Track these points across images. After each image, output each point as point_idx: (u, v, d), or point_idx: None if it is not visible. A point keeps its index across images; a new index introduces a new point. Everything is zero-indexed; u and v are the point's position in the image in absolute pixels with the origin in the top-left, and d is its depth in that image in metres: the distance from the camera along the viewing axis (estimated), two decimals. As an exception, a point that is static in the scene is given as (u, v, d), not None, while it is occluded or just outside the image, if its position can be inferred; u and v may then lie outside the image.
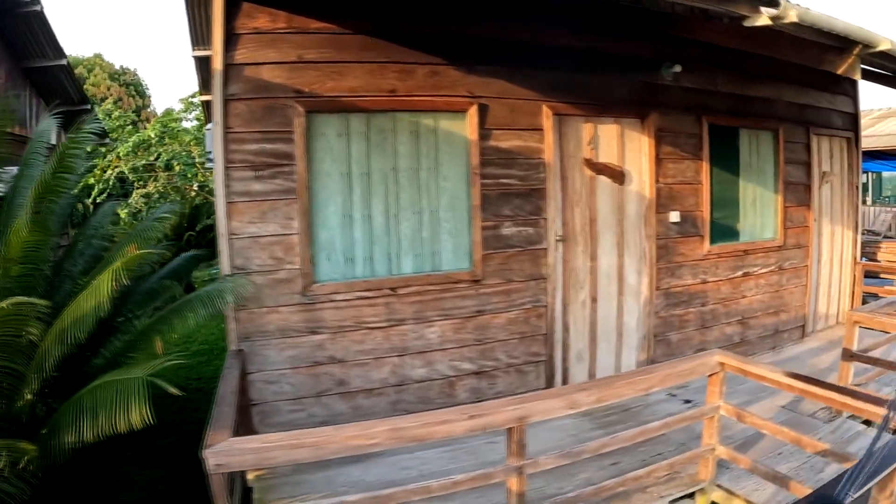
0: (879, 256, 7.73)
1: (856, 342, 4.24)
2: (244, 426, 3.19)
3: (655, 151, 4.67)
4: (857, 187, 6.65)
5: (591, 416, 3.99)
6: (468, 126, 3.95)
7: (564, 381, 4.52)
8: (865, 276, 7.76)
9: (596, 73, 4.45)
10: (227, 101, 3.33)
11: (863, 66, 5.58)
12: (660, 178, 4.72)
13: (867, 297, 6.78)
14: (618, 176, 4.61)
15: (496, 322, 4.15)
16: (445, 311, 3.94)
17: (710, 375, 3.16)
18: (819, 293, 6.29)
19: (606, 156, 4.59)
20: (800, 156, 5.84)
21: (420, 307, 3.86)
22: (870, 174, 18.73)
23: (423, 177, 3.90)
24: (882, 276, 7.22)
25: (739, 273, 5.33)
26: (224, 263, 3.41)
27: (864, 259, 8.13)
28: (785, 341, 5.82)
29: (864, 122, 17.48)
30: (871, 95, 45.61)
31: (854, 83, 6.59)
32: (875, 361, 4.19)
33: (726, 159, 5.24)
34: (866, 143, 16.90)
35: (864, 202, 17.90)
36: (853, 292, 6.71)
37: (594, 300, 4.63)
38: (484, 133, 4.00)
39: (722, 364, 3.12)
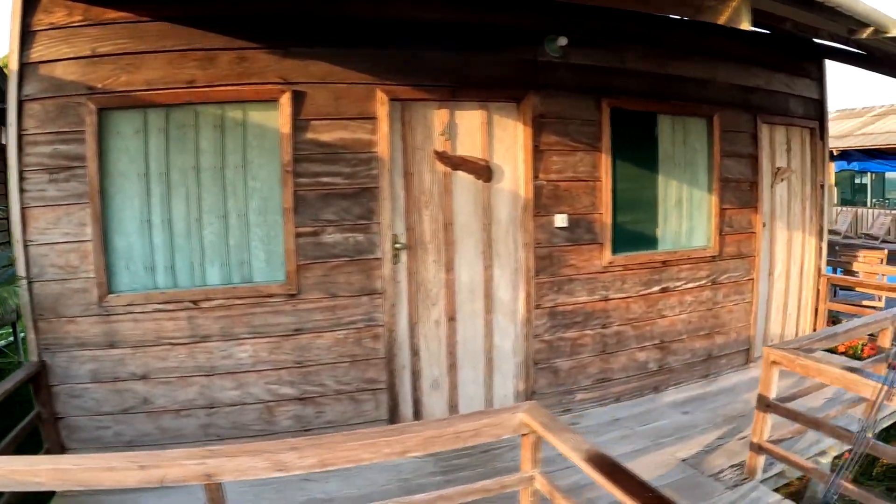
0: (856, 267, 6.57)
1: (774, 387, 3.26)
2: (52, 440, 3.18)
3: (534, 141, 3.83)
4: (824, 186, 5.59)
5: (438, 455, 3.36)
6: (280, 117, 3.42)
7: (416, 413, 3.82)
8: (842, 290, 6.63)
9: (455, 49, 3.69)
10: (21, 103, 3.14)
11: (822, 41, 4.67)
12: (540, 173, 3.86)
13: (842, 316, 5.73)
14: (481, 171, 3.74)
15: (320, 343, 3.58)
16: (257, 328, 3.47)
17: (523, 436, 2.34)
18: (770, 311, 5.29)
19: (468, 147, 3.76)
20: (744, 148, 4.86)
21: (227, 323, 3.42)
22: (870, 174, 17.61)
23: (229, 176, 3.44)
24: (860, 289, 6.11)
25: (657, 288, 4.41)
26: (20, 271, 3.21)
27: (838, 271, 6.98)
28: (723, 368, 4.85)
29: (864, 119, 16.54)
30: (873, 91, 43.41)
31: (819, 64, 5.59)
32: (795, 416, 3.20)
33: (639, 151, 4.36)
34: (866, 141, 16.06)
35: (864, 204, 17.33)
36: (817, 310, 5.63)
37: (452, 319, 3.82)
38: (300, 124, 3.44)
39: (528, 424, 2.24)
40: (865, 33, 3.27)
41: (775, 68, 5.17)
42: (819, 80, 5.60)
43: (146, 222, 3.34)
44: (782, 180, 5.32)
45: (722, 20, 2.55)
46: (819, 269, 5.66)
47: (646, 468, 3.38)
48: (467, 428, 2.24)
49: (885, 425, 4.23)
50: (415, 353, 3.78)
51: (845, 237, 16.63)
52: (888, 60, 4.69)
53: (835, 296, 7.01)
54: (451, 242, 3.78)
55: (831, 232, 16.82)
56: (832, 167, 16.85)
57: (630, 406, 4.33)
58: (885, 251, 7.05)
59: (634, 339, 4.38)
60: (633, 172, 4.32)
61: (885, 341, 4.09)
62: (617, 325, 4.27)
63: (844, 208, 17.65)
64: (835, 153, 16.01)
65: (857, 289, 6.14)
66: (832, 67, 4.64)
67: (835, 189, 17.41)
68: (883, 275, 6.49)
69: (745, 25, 2.52)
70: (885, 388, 2.58)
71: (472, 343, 3.92)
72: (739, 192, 4.86)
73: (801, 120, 5.44)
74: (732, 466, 3.38)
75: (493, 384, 4.00)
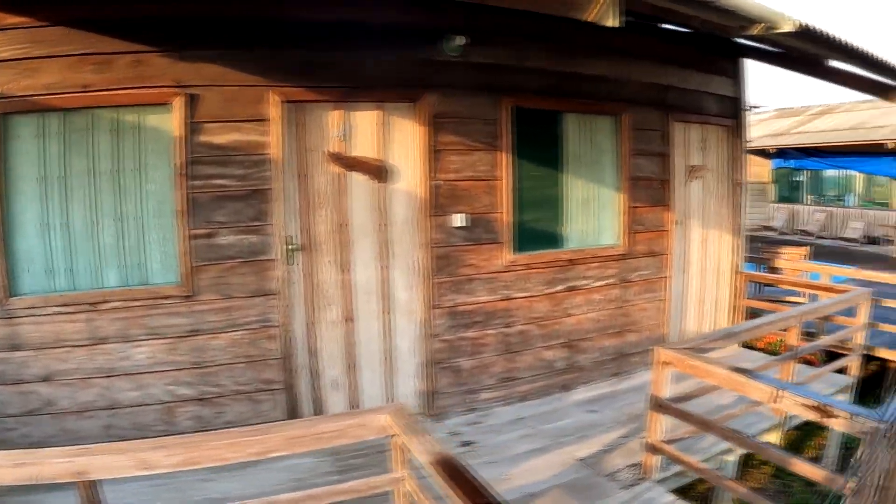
0: (779, 264, 7.50)
1: (667, 387, 3.63)
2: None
3: (430, 141, 4.11)
4: (741, 184, 6.30)
5: (338, 454, 3.70)
6: (173, 120, 3.65)
7: (316, 413, 4.08)
8: (767, 286, 7.57)
9: (350, 49, 3.94)
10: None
11: (745, 40, 5.36)
12: (437, 173, 4.14)
13: (764, 313, 6.54)
14: (377, 172, 4.01)
15: (216, 344, 3.84)
16: (154, 329, 3.74)
17: (392, 437, 2.57)
18: (686, 309, 5.85)
19: (363, 148, 4.03)
20: (655, 146, 5.29)
21: (124, 325, 3.69)
22: (806, 172, 19.45)
23: (125, 179, 3.71)
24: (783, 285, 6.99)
25: (562, 287, 4.79)
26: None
27: (762, 267, 7.93)
28: (635, 366, 5.34)
29: (801, 118, 18.39)
30: (810, 93, 47.27)
31: (736, 62, 6.06)
32: (686, 417, 3.52)
33: (543, 150, 4.70)
34: (802, 139, 17.51)
35: (802, 202, 19.51)
36: (735, 307, 6.39)
37: (350, 320, 4.09)
38: (194, 127, 3.68)
39: (391, 426, 2.52)
40: (756, 29, 3.65)
41: (691, 66, 5.57)
42: (736, 78, 6.07)
43: (46, 225, 3.54)
44: (697, 178, 5.99)
45: (589, 17, 2.97)
46: (736, 267, 6.15)
47: (542, 468, 3.65)
48: (331, 429, 2.48)
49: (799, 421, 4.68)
50: (313, 353, 4.01)
51: (781, 233, 18.59)
52: (805, 59, 5.33)
53: (760, 292, 7.97)
54: (346, 243, 4.03)
55: (768, 228, 19.08)
56: (769, 164, 19.16)
57: (536, 405, 4.67)
58: (808, 248, 8.00)
59: (540, 338, 4.72)
60: (537, 171, 4.64)
61: (791, 339, 4.48)
62: (521, 324, 4.60)
63: (781, 205, 19.51)
64: (771, 151, 18.43)
65: (780, 285, 7.05)
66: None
67: (772, 186, 20.00)
68: (807, 271, 7.44)
69: (612, 22, 2.72)
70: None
71: (372, 343, 4.17)
72: (650, 191, 5.25)
73: (718, 118, 5.90)
74: (630, 466, 3.65)
75: (395, 384, 4.28)
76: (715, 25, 3.83)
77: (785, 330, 4.73)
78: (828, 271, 6.97)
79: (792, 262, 7.34)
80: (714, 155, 6.00)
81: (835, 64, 5.07)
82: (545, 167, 4.77)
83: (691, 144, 5.74)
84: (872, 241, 16.53)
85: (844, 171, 18.54)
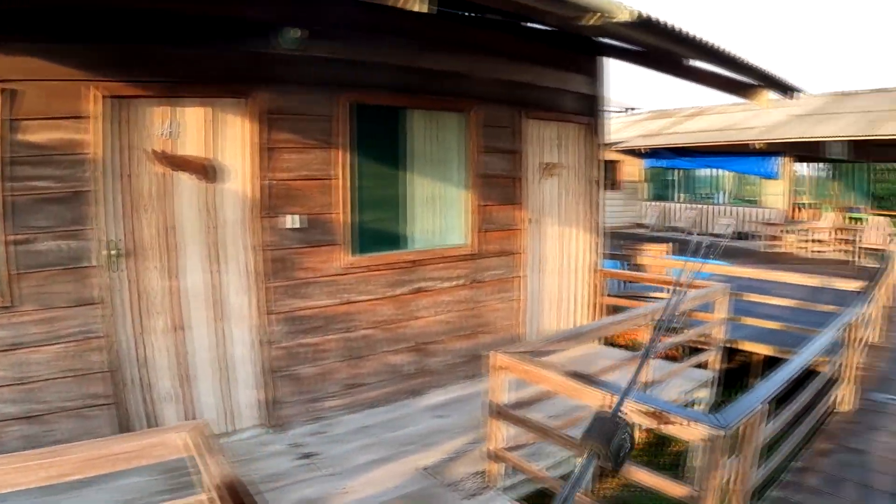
0: (641, 260, 8.63)
1: (505, 393, 3.88)
2: None
3: (262, 139, 4.58)
4: (598, 182, 7.19)
5: (175, 471, 3.75)
6: None
7: (151, 428, 4.35)
8: (631, 283, 8.66)
9: (180, 43, 4.27)
10: None
11: (605, 38, 6.14)
12: (269, 172, 4.62)
13: (624, 310, 7.52)
14: (205, 171, 4.42)
15: (38, 357, 4.01)
16: None
17: (197, 456, 2.75)
18: (543, 308, 6.70)
19: (192, 146, 4.40)
20: (506, 144, 6.06)
21: None
22: (677, 171, 22.90)
23: None
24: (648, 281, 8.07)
25: (407, 289, 5.42)
26: None
27: (625, 264, 9.06)
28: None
29: (674, 119, 21.62)
30: (685, 95, 53.03)
31: (595, 61, 6.97)
32: (524, 424, 3.79)
33: (386, 148, 5.30)
34: (673, 139, 20.53)
35: (672, 199, 22.77)
36: (595, 304, 7.35)
37: (181, 328, 4.45)
38: (13, 125, 3.83)
39: (189, 445, 2.71)
40: (593, 19, 4.02)
41: (546, 64, 6.39)
42: (595, 76, 7.00)
43: None
44: (552, 176, 6.85)
45: (399, 3, 3.22)
46: (595, 264, 7.14)
47: (383, 479, 4.06)
48: (127, 449, 2.67)
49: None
50: (143, 365, 4.30)
51: (654, 230, 21.67)
52: (664, 58, 5.93)
53: (624, 289, 9.09)
54: (175, 247, 4.37)
55: (640, 226, 22.27)
56: (642, 164, 22.67)
57: (384, 412, 5.24)
58: (669, 244, 9.18)
59: (385, 342, 5.31)
60: (379, 170, 5.22)
61: (643, 338, 5.74)
62: (364, 328, 5.17)
63: (654, 203, 22.89)
64: (644, 151, 21.75)
65: (640, 282, 8.15)
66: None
67: (646, 185, 23.55)
68: (668, 267, 8.59)
69: (421, 8, 3.14)
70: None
71: (206, 352, 4.53)
72: (502, 189, 6.00)
73: (575, 116, 6.80)
74: (475, 474, 3.99)
75: (232, 395, 4.67)
76: (549, 15, 4.35)
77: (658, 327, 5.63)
78: (688, 267, 8.04)
79: (654, 258, 8.42)
80: (571, 153, 6.88)
81: (696, 63, 5.99)
82: (388, 165, 5.37)
83: (546, 142, 6.58)
84: (741, 236, 19.62)
85: (716, 170, 22.06)
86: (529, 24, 6.00)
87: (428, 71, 5.55)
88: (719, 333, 6.18)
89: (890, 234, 14.59)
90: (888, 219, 16.48)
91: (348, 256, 5.11)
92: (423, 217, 5.63)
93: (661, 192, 23.85)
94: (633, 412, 2.98)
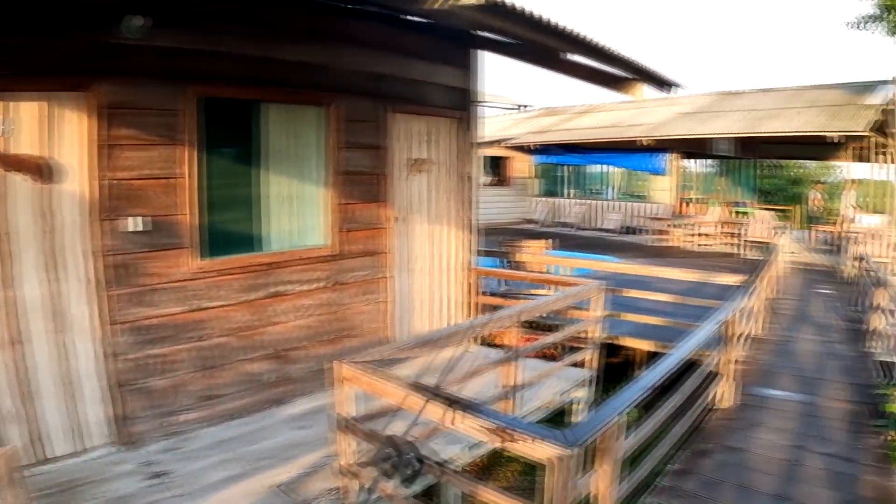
0: (521, 258, 9.32)
1: (351, 405, 4.02)
2: None
3: (101, 135, 4.73)
4: (471, 177, 7.84)
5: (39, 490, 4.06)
6: None
7: None
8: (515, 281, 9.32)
9: (10, 30, 4.33)
10: None
11: (479, 32, 6.67)
12: (109, 171, 4.79)
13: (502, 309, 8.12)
14: (41, 171, 4.54)
15: None
16: None
17: None
18: (414, 309, 7.14)
19: (27, 144, 4.50)
20: (370, 139, 6.48)
21: None
22: (567, 168, 25.50)
23: None
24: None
25: (264, 293, 5.73)
26: None
27: (504, 262, 9.74)
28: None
29: (565, 116, 24.34)
30: (579, 94, 57.16)
31: (468, 53, 7.53)
32: (373, 438, 3.81)
33: (238, 144, 5.59)
34: (562, 136, 22.71)
35: (562, 195, 25.34)
36: (469, 304, 7.92)
37: (19, 343, 4.54)
38: None
39: None
40: (437, 3, 4.20)
41: (415, 55, 6.85)
42: (468, 69, 7.56)
43: None
44: (421, 172, 7.37)
45: None
46: (468, 263, 7.72)
47: (235, 498, 4.24)
48: None
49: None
50: None
51: (543, 226, 24.17)
52: (541, 52, 6.47)
53: (507, 287, 9.75)
54: (8, 255, 4.45)
55: (530, 221, 24.51)
56: (530, 159, 24.95)
57: (244, 424, 5.49)
58: (550, 240, 9.97)
59: (242, 350, 5.59)
60: (231, 168, 5.51)
61: (510, 339, 5.50)
62: (218, 336, 5.43)
63: (544, 199, 25.28)
64: (533, 147, 24.00)
65: (517, 279, 8.81)
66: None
67: (536, 181, 25.92)
68: (549, 264, 9.35)
69: None
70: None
71: (48, 367, 4.63)
72: (365, 186, 6.42)
73: (447, 110, 7.33)
74: (330, 491, 4.16)
75: (79, 411, 4.79)
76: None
77: (533, 323, 6.07)
78: (568, 263, 8.81)
79: (533, 256, 9.10)
80: (443, 148, 7.40)
81: (573, 58, 6.61)
82: (241, 163, 5.68)
83: (415, 137, 7.06)
84: (630, 230, 21.91)
85: (605, 166, 24.65)
86: (397, 14, 6.43)
87: (284, 62, 5.83)
88: (595, 331, 6.79)
89: (774, 228, 16.15)
90: (773, 213, 18.37)
91: (197, 260, 5.35)
92: (279, 217, 5.95)
93: (552, 188, 26.16)
94: (475, 429, 3.11)
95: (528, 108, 32.16)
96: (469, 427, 3.13)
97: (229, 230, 5.61)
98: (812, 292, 12.37)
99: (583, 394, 6.67)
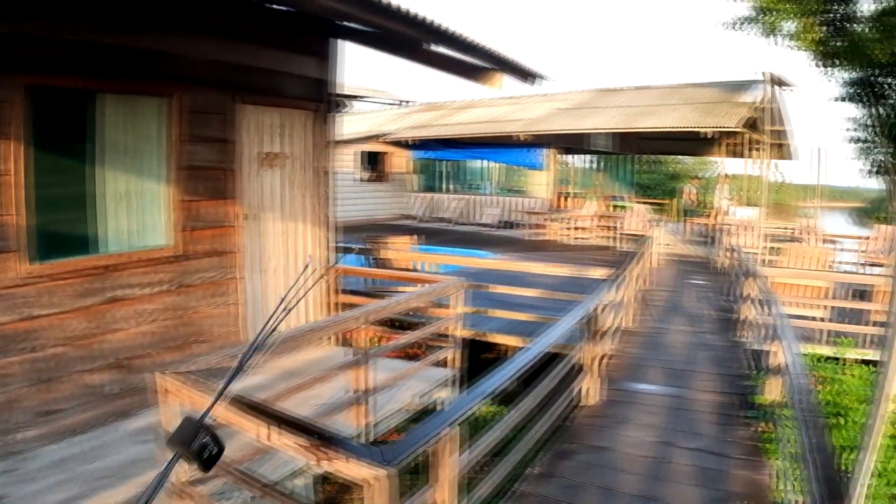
0: (386, 255, 9.73)
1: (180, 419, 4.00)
2: None
3: None
4: (328, 172, 8.12)
5: None
6: None
7: None
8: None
9: None
10: None
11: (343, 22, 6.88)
12: None
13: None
14: None
15: None
16: None
17: None
18: (269, 311, 7.41)
19: None
20: (217, 132, 6.72)
21: None
22: (446, 162, 27.23)
23: None
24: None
25: (101, 298, 5.87)
26: None
27: (370, 259, 10.13)
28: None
29: (444, 111, 26.60)
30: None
31: (327, 43, 7.89)
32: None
33: (71, 138, 5.72)
34: (442, 131, 24.21)
35: (441, 190, 26.93)
36: (330, 304, 8.18)
37: None
38: None
39: None
40: None
41: (267, 44, 7.13)
42: (327, 60, 7.90)
43: None
44: (273, 167, 7.66)
45: None
46: (326, 261, 8.17)
47: None
48: None
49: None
50: None
51: (421, 221, 25.54)
52: (403, 42, 6.91)
53: (374, 284, 10.11)
54: None
55: (408, 216, 25.83)
56: (409, 155, 26.37)
57: (86, 440, 5.57)
58: (414, 237, 10.42)
59: (81, 360, 5.70)
60: (64, 164, 5.62)
61: (360, 341, 5.66)
62: (53, 346, 5.51)
63: (422, 194, 26.66)
64: (411, 142, 25.31)
65: (375, 277, 9.19)
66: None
67: (415, 177, 27.40)
68: (415, 260, 9.80)
69: None
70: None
71: None
72: (211, 182, 6.66)
73: (302, 102, 7.65)
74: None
75: None
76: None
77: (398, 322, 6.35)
78: (432, 260, 9.25)
79: (398, 253, 9.50)
80: (298, 141, 7.71)
81: (436, 49, 7.01)
82: (75, 159, 5.80)
83: (267, 129, 7.32)
84: (508, 225, 23.42)
85: (486, 161, 26.41)
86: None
87: (123, 50, 5.95)
88: (456, 329, 7.27)
89: (649, 221, 17.29)
90: (649, 206, 19.74)
91: (26, 265, 5.43)
92: (117, 216, 6.10)
93: (431, 183, 27.61)
94: (291, 447, 3.05)
95: (409, 104, 33.09)
96: (285, 445, 3.07)
97: (62, 231, 5.72)
98: (685, 283, 13.45)
99: (446, 394, 7.11)
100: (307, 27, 7.48)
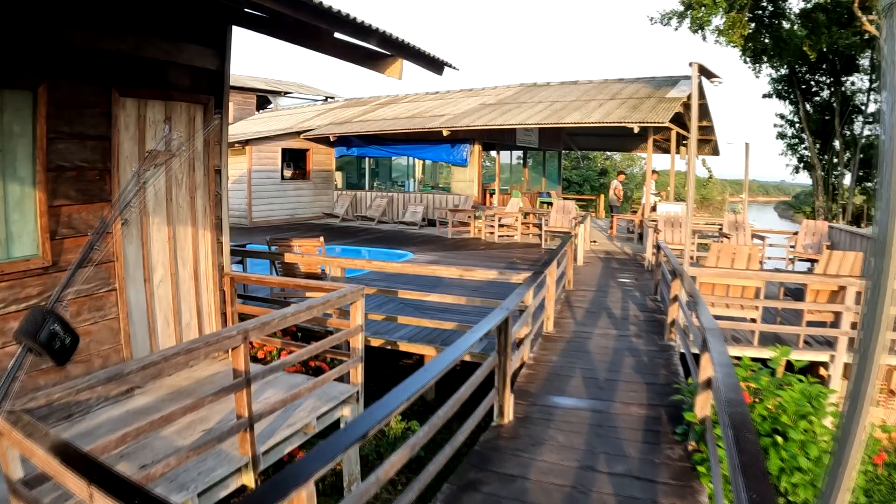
0: (291, 258, 9.32)
1: (16, 466, 3.44)
2: None
3: None
4: (220, 171, 7.67)
5: None
6: None
7: None
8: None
9: None
10: None
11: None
12: None
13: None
14: None
15: None
16: None
17: None
18: (157, 325, 6.90)
19: None
20: (90, 128, 6.21)
21: None
22: (368, 159, 27.40)
23: None
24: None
25: None
26: None
27: (275, 264, 9.68)
28: (93, 406, 6.13)
29: (367, 107, 26.94)
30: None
31: (217, 28, 7.45)
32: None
33: None
34: (364, 127, 24.35)
35: (365, 187, 27.04)
36: (226, 314, 7.75)
37: None
38: None
39: None
40: None
41: (150, 31, 6.67)
42: (220, 49, 7.49)
43: None
44: (157, 166, 7.19)
45: None
46: (221, 267, 7.71)
47: None
48: None
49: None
50: None
51: (343, 219, 25.96)
52: (300, 28, 6.49)
53: (284, 291, 9.73)
54: None
55: (330, 215, 25.90)
56: (332, 152, 26.54)
57: None
58: (321, 238, 10.05)
59: None
60: None
61: (238, 362, 5.01)
62: None
63: (346, 192, 27.03)
64: (332, 139, 25.62)
65: (273, 285, 8.78)
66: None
67: (338, 174, 27.62)
68: (323, 264, 9.42)
69: None
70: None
71: None
72: (85, 184, 6.17)
73: (191, 94, 7.20)
74: None
75: None
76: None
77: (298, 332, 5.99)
78: (338, 264, 8.84)
79: (301, 257, 9.08)
80: (186, 137, 7.12)
81: (336, 36, 6.63)
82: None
83: (150, 125, 6.82)
84: (432, 223, 23.45)
85: (411, 158, 26.54)
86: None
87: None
88: (357, 341, 6.91)
89: (575, 217, 17.15)
90: (575, 202, 19.73)
91: None
92: (-25, 223, 5.54)
93: (355, 180, 27.86)
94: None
95: (334, 100, 33.28)
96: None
97: None
98: (611, 282, 13.32)
99: (348, 412, 6.72)
100: (197, 12, 7.08)
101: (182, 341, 7.28)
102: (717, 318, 6.87)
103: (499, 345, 5.78)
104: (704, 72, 10.18)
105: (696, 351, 5.48)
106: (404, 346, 8.98)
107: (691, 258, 13.01)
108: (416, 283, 11.10)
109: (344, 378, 6.87)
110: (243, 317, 7.96)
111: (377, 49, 6.66)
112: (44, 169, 5.92)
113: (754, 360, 5.95)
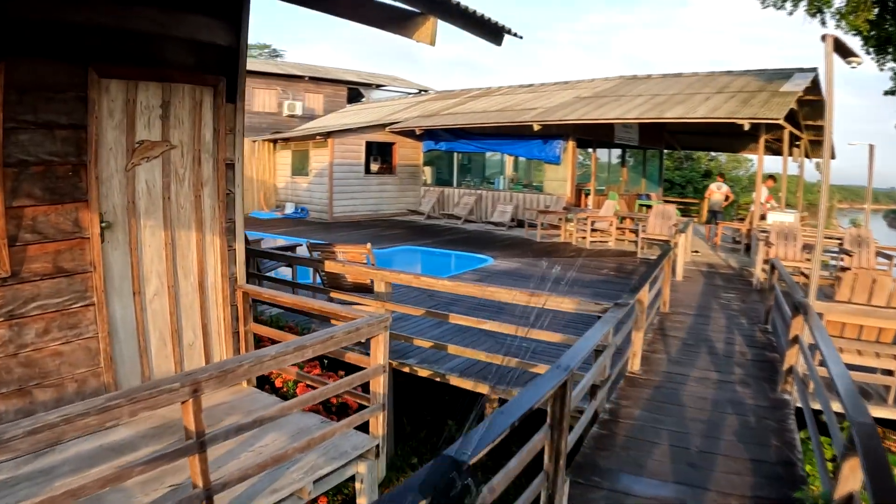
0: (331, 268, 8.42)
1: None
2: None
3: None
4: (233, 166, 6.77)
5: None
6: None
7: None
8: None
9: None
10: None
11: None
12: None
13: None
14: None
15: None
16: None
17: None
18: (150, 345, 6.16)
19: None
20: (60, 115, 5.49)
21: None
22: (459, 155, 26.30)
23: None
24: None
25: None
26: None
27: (317, 273, 8.76)
28: (68, 434, 5.51)
29: (458, 100, 26.85)
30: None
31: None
32: None
33: None
34: (449, 120, 23.78)
35: (454, 184, 26.27)
36: (239, 335, 6.89)
37: None
38: None
39: None
40: None
41: (140, 1, 5.86)
42: (233, 21, 6.65)
43: None
44: (152, 159, 6.29)
45: None
46: (233, 279, 6.78)
47: None
48: None
49: None
50: None
51: (429, 217, 25.33)
52: None
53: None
54: None
55: (415, 212, 25.07)
56: (420, 147, 26.28)
57: None
58: (368, 245, 9.10)
59: None
60: None
61: (188, 420, 4.00)
62: None
63: (433, 188, 26.50)
64: (418, 132, 25.21)
65: (281, 303, 7.83)
66: None
67: (426, 169, 27.29)
68: (372, 277, 8.46)
69: None
70: None
71: None
72: (53, 181, 5.45)
73: (196, 74, 6.41)
74: None
75: None
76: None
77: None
78: (381, 277, 7.90)
79: (343, 268, 8.18)
80: (187, 126, 6.51)
81: None
82: None
83: (141, 110, 6.13)
84: (520, 224, 22.51)
85: (502, 154, 25.33)
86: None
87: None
88: (379, 385, 5.90)
89: (675, 224, 15.80)
90: (676, 207, 18.34)
91: None
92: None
93: (443, 176, 27.09)
94: None
95: (428, 93, 33.47)
96: None
97: None
98: (713, 304, 11.92)
99: (364, 469, 5.71)
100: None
101: (183, 364, 6.47)
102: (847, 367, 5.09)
103: (552, 417, 4.20)
104: (841, 48, 8.55)
105: (817, 406, 3.97)
106: (455, 381, 7.93)
107: (809, 282, 10.64)
108: (464, 308, 10.08)
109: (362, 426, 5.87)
110: (259, 338, 7.06)
111: (403, 6, 5.54)
112: (0, 164, 5.18)
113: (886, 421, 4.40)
